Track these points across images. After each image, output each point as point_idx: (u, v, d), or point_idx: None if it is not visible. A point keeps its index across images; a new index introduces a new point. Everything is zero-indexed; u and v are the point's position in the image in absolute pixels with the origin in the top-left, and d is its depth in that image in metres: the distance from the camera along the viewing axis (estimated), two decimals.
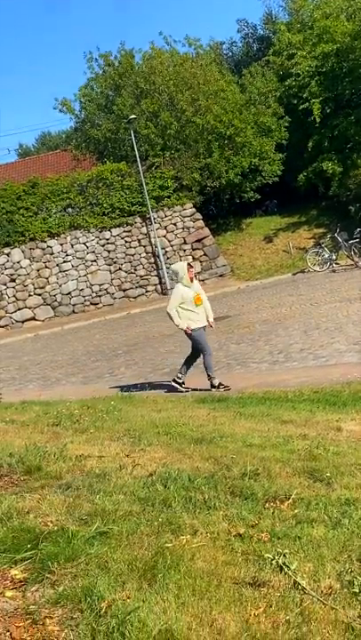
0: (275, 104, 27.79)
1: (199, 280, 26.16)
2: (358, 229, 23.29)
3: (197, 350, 9.99)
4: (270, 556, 2.80)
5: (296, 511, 3.52)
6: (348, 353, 10.58)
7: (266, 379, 9.81)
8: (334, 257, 23.77)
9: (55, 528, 3.42)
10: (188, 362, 10.15)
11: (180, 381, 9.95)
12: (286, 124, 27.44)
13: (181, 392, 9.74)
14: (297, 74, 27.11)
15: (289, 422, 6.39)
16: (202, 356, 9.91)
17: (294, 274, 24.52)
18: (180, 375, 10.01)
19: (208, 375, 9.73)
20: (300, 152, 27.19)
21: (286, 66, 28.03)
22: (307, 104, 26.45)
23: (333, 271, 23.09)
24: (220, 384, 9.58)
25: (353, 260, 22.91)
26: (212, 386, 9.61)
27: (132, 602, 2.66)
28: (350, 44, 26.29)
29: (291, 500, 3.67)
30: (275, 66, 28.95)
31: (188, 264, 10.25)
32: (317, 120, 26.06)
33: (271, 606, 2.54)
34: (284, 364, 10.81)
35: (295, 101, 27.19)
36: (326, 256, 23.93)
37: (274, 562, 2.75)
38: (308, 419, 6.52)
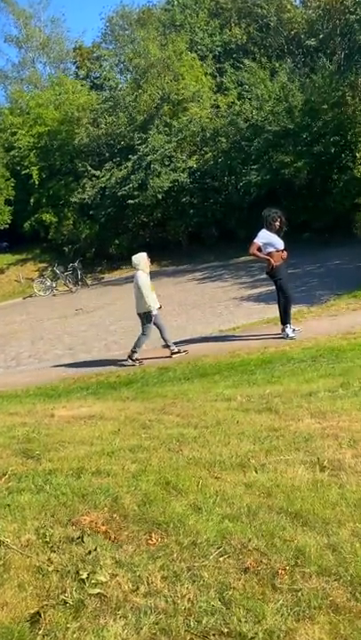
0: (2, 168, 26.78)
1: None
2: (71, 264, 23.59)
3: (147, 328, 8.72)
4: None
5: (10, 484, 3.37)
6: (64, 356, 10.63)
7: (0, 381, 9.38)
8: (55, 285, 23.70)
9: None
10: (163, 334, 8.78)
11: (134, 357, 8.74)
12: (13, 184, 26.62)
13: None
14: (19, 147, 26.55)
15: (15, 414, 6.14)
16: (141, 334, 8.75)
17: (24, 298, 23.85)
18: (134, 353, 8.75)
19: (133, 350, 8.69)
20: (25, 206, 26.57)
21: (10, 140, 27.23)
22: (28, 170, 26.04)
23: (54, 295, 22.99)
24: (136, 359, 8.66)
25: (68, 286, 23.09)
26: (129, 357, 8.67)
27: None
28: (58, 128, 26.63)
29: (7, 476, 3.53)
30: (0, 140, 27.94)
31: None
32: (37, 182, 25.79)
33: None
34: (16, 368, 10.46)
35: (19, 167, 26.57)
36: (49, 284, 23.77)
37: None
38: (31, 409, 6.33)
